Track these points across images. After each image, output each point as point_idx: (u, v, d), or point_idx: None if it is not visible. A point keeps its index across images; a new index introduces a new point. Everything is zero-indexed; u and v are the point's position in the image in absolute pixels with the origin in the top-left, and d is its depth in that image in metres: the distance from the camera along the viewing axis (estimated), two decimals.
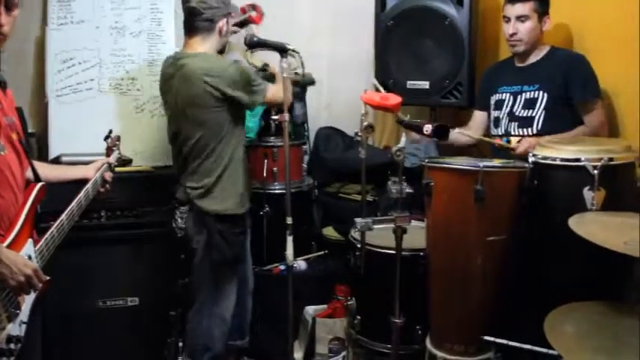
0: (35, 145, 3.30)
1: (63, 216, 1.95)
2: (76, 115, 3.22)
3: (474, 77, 3.22)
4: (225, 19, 2.71)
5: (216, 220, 2.67)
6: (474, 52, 3.24)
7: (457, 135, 2.92)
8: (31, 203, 1.83)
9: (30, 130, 3.25)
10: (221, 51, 2.82)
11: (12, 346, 1.68)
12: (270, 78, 2.97)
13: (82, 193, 2.09)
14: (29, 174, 1.95)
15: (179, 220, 2.73)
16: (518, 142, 2.70)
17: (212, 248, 2.67)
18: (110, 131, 2.47)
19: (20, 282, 1.65)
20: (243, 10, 3.14)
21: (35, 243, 1.82)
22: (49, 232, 1.87)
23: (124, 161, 3.12)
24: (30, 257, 1.77)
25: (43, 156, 3.20)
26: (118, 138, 2.51)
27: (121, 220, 3.08)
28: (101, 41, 3.29)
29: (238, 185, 2.72)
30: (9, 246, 1.70)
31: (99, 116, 3.23)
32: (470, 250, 2.23)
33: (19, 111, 3.15)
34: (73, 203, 2.02)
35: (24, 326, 1.75)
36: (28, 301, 1.78)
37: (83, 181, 2.18)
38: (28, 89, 3.39)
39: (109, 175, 2.32)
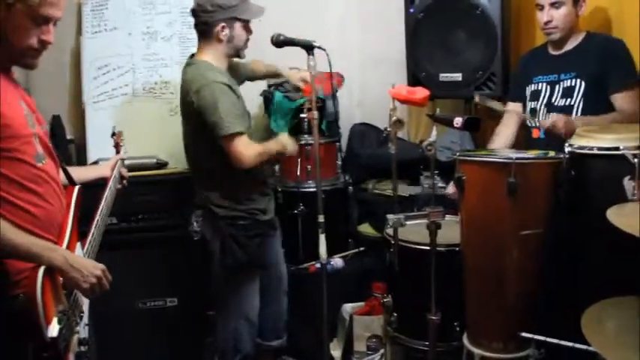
0: (74, 151, 3.40)
1: (97, 217, 2.00)
2: (113, 120, 3.28)
3: (508, 67, 3.15)
4: (222, 24, 2.58)
5: (228, 224, 2.66)
6: (507, 41, 3.17)
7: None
8: (74, 207, 1.88)
9: (68, 137, 3.34)
10: (238, 55, 2.73)
11: (82, 348, 1.74)
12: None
13: (106, 192, 2.13)
14: (63, 178, 1.97)
15: (194, 223, 2.72)
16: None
17: (226, 253, 2.66)
18: (114, 127, 2.51)
19: (93, 284, 1.68)
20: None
21: (82, 245, 1.88)
22: (90, 234, 1.93)
23: (159, 164, 3.21)
24: None
25: (81, 161, 3.29)
26: (122, 133, 2.53)
27: (158, 222, 3.14)
28: (134, 47, 3.36)
29: (245, 198, 2.67)
30: None
31: (134, 120, 3.30)
32: (505, 245, 2.17)
33: (58, 118, 3.27)
34: (102, 203, 2.07)
35: (87, 328, 1.83)
36: (86, 304, 1.84)
37: (101, 181, 2.21)
38: (65, 97, 3.48)
39: (124, 171, 2.35)
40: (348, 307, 3.11)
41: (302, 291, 3.10)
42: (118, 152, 2.43)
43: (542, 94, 2.77)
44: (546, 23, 2.69)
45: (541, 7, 2.70)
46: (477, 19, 3.11)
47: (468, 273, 2.33)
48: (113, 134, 2.49)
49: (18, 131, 1.65)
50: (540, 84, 2.79)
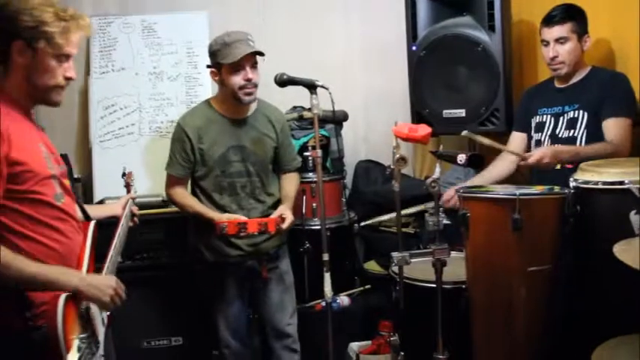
0: (81, 189, 3.42)
1: (111, 252, 2.04)
2: (119, 159, 3.29)
3: (511, 103, 3.15)
4: (212, 69, 2.70)
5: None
6: (510, 77, 3.18)
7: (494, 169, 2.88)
8: (91, 241, 1.94)
9: (75, 176, 3.37)
10: (238, 99, 2.69)
11: None
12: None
13: (119, 229, 2.18)
14: (79, 213, 2.04)
15: None
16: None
17: None
18: (124, 168, 2.55)
19: (111, 295, 1.77)
20: None
21: None
22: (105, 268, 1.97)
23: (165, 202, 3.21)
24: None
25: (87, 200, 3.30)
26: (132, 174, 2.58)
27: (163, 260, 3.14)
28: (140, 87, 3.42)
29: (200, 233, 2.78)
30: None
31: (141, 160, 3.32)
32: (512, 282, 2.15)
33: (65, 157, 3.29)
34: (115, 239, 2.12)
35: (102, 358, 1.86)
36: (101, 335, 1.88)
37: (113, 219, 2.25)
38: (73, 136, 3.52)
39: (135, 209, 2.40)
40: (354, 346, 3.07)
41: (308, 329, 3.06)
42: (128, 192, 2.48)
43: (547, 126, 2.78)
44: (552, 59, 2.72)
45: (546, 43, 2.73)
46: (478, 55, 3.13)
47: (475, 310, 2.30)
48: (124, 174, 2.54)
49: (39, 174, 1.72)
50: (545, 116, 2.80)
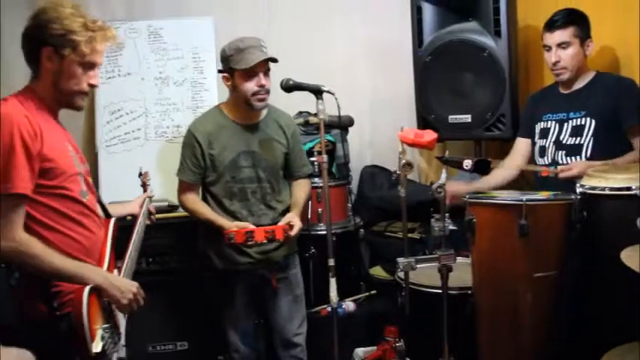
0: None
1: (130, 247, 2.13)
2: (125, 164, 3.31)
3: (517, 108, 3.15)
4: (225, 75, 2.69)
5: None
6: (516, 82, 3.18)
7: (498, 174, 2.85)
8: (112, 237, 2.04)
9: None
10: (250, 105, 2.67)
11: None
12: None
13: (137, 227, 2.26)
14: (100, 210, 2.12)
15: None
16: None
17: None
18: (141, 168, 2.61)
19: (130, 299, 1.88)
20: None
21: (118, 272, 2.04)
22: (125, 264, 2.07)
23: (171, 207, 3.22)
24: None
25: None
26: (148, 174, 2.65)
27: (170, 265, 3.14)
28: (146, 92, 3.43)
29: (209, 238, 2.76)
30: None
31: (147, 164, 3.28)
32: (518, 288, 2.15)
33: None
34: (134, 236, 2.20)
35: (124, 348, 1.99)
36: (122, 326, 2.00)
37: (130, 217, 2.35)
38: (79, 141, 3.49)
39: (152, 208, 2.49)
40: (360, 352, 3.07)
41: (313, 335, 3.06)
42: (145, 191, 2.55)
43: (551, 132, 2.77)
44: (555, 64, 2.71)
45: (548, 49, 2.72)
46: (484, 61, 3.13)
47: (480, 316, 2.30)
48: (140, 174, 2.60)
49: (66, 171, 1.85)
50: (549, 122, 2.79)
